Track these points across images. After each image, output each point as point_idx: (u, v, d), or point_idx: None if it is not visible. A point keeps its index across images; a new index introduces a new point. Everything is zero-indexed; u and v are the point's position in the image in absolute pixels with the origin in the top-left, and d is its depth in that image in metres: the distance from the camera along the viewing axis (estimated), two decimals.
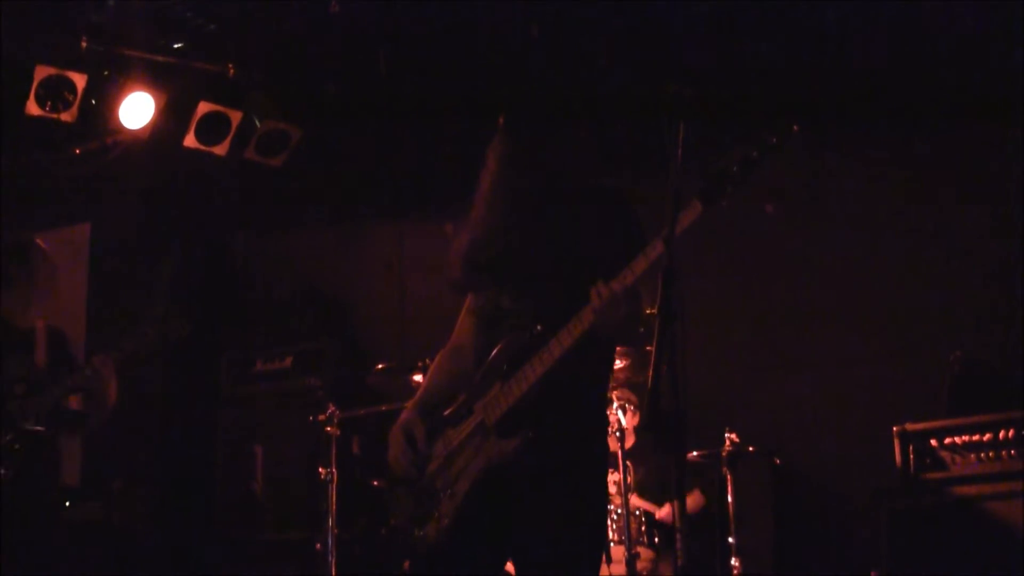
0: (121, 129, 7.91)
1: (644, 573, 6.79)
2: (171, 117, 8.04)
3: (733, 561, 6.85)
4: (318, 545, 7.38)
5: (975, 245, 7.45)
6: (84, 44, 7.43)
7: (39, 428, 6.07)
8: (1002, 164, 7.45)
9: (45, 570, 6.08)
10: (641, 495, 7.11)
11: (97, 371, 6.11)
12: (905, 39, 7.11)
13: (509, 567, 4.28)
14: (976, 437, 6.13)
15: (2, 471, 6.02)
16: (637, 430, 7.14)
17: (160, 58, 7.71)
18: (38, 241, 6.45)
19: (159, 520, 8.72)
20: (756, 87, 7.57)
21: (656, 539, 6.99)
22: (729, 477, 6.99)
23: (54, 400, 6.09)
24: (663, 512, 7.12)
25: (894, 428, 6.35)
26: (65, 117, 7.67)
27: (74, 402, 6.30)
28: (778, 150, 3.65)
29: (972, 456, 6.13)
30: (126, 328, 6.45)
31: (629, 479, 6.74)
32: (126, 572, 6.73)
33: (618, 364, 6.78)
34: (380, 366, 7.59)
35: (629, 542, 6.37)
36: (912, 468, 6.22)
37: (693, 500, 7.30)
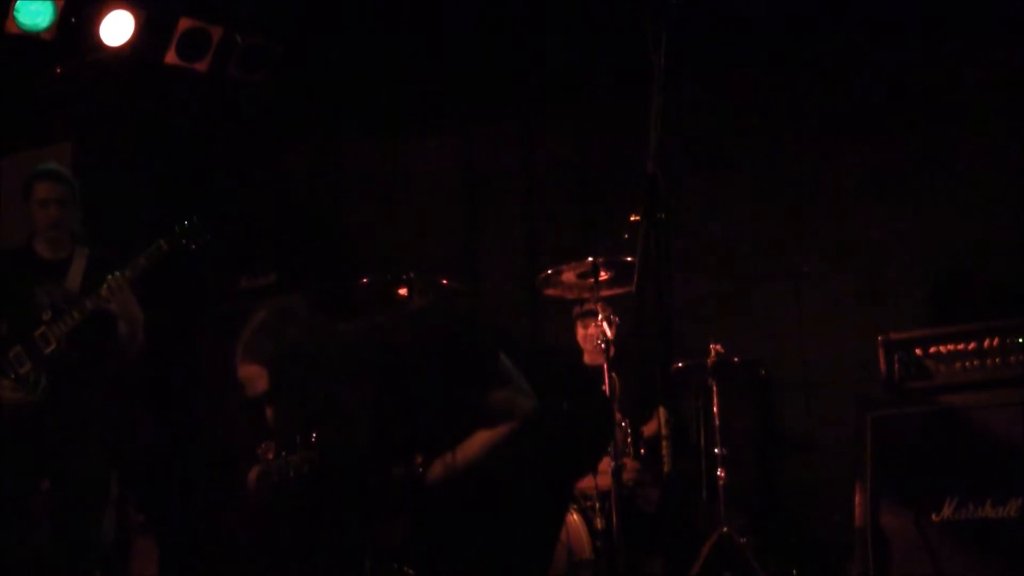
0: (101, 47, 7.84)
1: (630, 483, 6.81)
2: (151, 34, 7.96)
3: (718, 472, 6.90)
4: None
5: (960, 152, 7.45)
6: None
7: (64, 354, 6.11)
8: (985, 79, 7.44)
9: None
10: (619, 409, 7.04)
11: (113, 291, 6.10)
12: None
13: None
14: (961, 346, 6.15)
15: (29, 397, 6.05)
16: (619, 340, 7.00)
17: None
18: (53, 167, 6.43)
19: (143, 437, 8.73)
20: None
21: (642, 451, 7.02)
22: (714, 388, 7.02)
23: (73, 324, 6.08)
24: (648, 427, 7.16)
25: (879, 337, 6.37)
26: (45, 35, 7.60)
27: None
28: None
29: (957, 364, 6.16)
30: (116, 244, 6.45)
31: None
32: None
33: (603, 276, 6.74)
34: (365, 280, 7.55)
35: (616, 453, 6.39)
36: (896, 377, 6.25)
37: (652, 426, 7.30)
